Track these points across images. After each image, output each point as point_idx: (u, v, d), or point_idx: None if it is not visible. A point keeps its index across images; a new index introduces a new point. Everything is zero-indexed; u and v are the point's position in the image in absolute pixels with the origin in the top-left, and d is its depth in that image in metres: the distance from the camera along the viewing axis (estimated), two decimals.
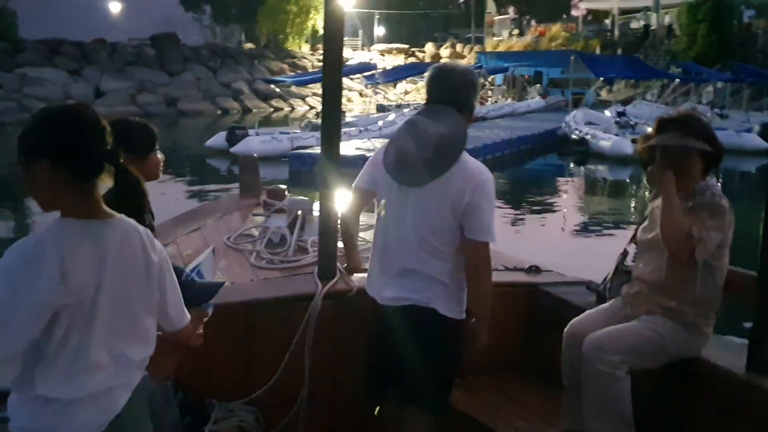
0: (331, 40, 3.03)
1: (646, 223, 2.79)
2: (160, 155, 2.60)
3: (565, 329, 2.84)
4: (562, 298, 3.30)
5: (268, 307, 3.02)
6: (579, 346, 2.67)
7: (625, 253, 2.98)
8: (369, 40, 54.53)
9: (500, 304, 3.04)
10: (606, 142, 18.94)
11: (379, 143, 18.49)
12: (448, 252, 2.52)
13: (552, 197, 16.05)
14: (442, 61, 42.90)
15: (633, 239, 2.91)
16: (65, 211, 1.61)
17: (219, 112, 35.99)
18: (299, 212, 3.92)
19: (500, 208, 13.36)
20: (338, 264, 3.25)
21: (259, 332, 3.00)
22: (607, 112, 24.41)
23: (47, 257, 1.52)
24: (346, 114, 25.73)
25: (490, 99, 35.04)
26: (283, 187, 4.84)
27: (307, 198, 4.23)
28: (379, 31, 58.47)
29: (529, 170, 20.39)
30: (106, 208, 1.65)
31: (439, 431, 2.76)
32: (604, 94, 36.66)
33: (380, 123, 21.96)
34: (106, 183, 1.64)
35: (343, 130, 19.97)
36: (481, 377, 3.30)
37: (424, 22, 62.94)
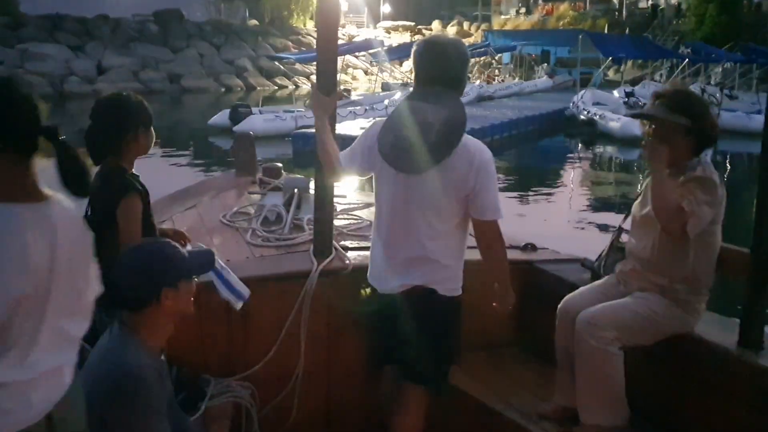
0: (326, 13, 2.99)
1: (640, 198, 2.79)
2: (152, 132, 2.68)
3: (559, 306, 2.85)
4: (557, 275, 3.32)
5: (264, 284, 3.03)
6: (572, 322, 2.68)
7: (620, 230, 2.99)
8: (374, 18, 53.77)
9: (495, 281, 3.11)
10: (615, 123, 18.65)
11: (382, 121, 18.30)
12: (449, 232, 2.53)
13: (559, 178, 15.94)
14: None
15: (627, 216, 2.92)
16: (5, 195, 1.51)
17: (222, 89, 35.84)
18: (295, 190, 3.91)
19: (506, 189, 13.19)
20: (334, 242, 3.26)
21: (255, 309, 2.99)
22: (615, 93, 24.10)
23: (8, 247, 1.45)
24: (351, 92, 25.41)
25: (497, 78, 34.60)
26: (279, 165, 4.82)
27: (303, 176, 4.21)
28: (385, 8, 57.76)
29: (537, 151, 20.23)
30: (42, 188, 1.57)
31: (433, 407, 2.78)
32: (611, 74, 36.26)
33: (386, 102, 21.71)
34: (42, 162, 1.57)
35: (348, 108, 20.02)
36: (476, 353, 3.31)
37: (430, 0, 62.22)
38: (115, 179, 2.56)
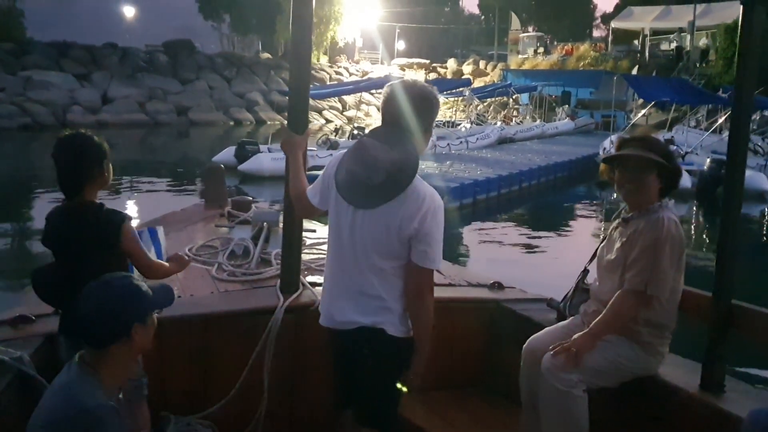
0: (298, 50, 3.03)
1: (605, 242, 2.86)
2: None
3: (524, 346, 2.89)
4: (523, 314, 3.36)
5: (228, 320, 3.05)
6: (537, 363, 2.73)
7: (585, 272, 3.06)
8: (389, 55, 52.87)
9: (462, 319, 3.38)
10: None
11: None
12: (396, 274, 2.53)
13: (594, 232, 13.95)
14: (464, 77, 40.53)
15: (593, 258, 2.97)
16: None
17: (231, 123, 35.65)
18: (264, 224, 3.98)
19: (535, 239, 12.62)
20: (301, 277, 3.31)
21: (218, 346, 3.02)
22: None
23: None
24: (365, 129, 23.77)
25: (515, 119, 33.14)
26: (249, 198, 4.95)
27: (272, 210, 4.33)
28: (399, 45, 56.97)
29: (568, 200, 18.44)
30: None
31: None
32: (634, 117, 34.67)
33: None
34: None
35: None
36: (441, 392, 3.36)
37: (444, 38, 61.65)
38: (101, 211, 2.64)
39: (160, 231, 3.27)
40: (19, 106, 28.95)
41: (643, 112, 28.17)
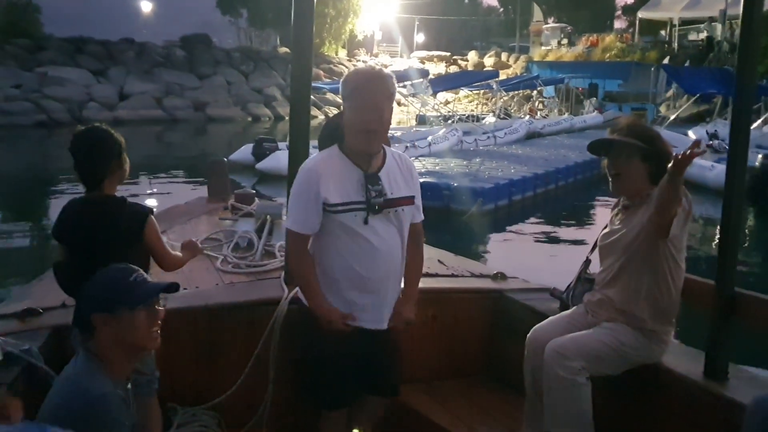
0: (300, 35, 3.14)
1: (606, 229, 2.90)
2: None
3: (528, 335, 2.94)
4: (526, 304, 3.40)
5: (233, 311, 3.11)
6: (541, 352, 2.77)
7: (587, 262, 3.09)
8: (408, 47, 51.80)
9: (465, 309, 3.41)
10: (708, 171, 15.33)
11: (430, 163, 15.41)
12: None
13: None
14: (486, 69, 39.01)
15: (594, 248, 2.99)
16: None
17: (249, 118, 35.27)
18: (267, 217, 4.01)
19: (580, 243, 11.43)
20: None
21: (223, 337, 3.09)
22: (691, 134, 20.91)
23: None
24: None
25: (540, 112, 31.98)
26: (253, 191, 4.94)
27: (275, 203, 4.43)
28: (419, 38, 55.84)
29: (610, 198, 17.13)
30: None
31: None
32: (663, 109, 33.41)
33: (429, 139, 18.86)
34: None
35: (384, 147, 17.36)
36: (445, 382, 3.42)
37: (464, 30, 60.47)
38: (125, 204, 2.71)
39: None
40: (34, 103, 28.82)
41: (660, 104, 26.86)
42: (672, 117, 22.61)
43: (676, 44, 41.55)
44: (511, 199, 13.67)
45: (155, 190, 15.10)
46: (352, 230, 2.61)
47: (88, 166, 2.66)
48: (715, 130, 20.19)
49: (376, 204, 2.59)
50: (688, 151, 2.33)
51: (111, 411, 1.95)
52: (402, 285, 2.80)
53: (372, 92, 2.56)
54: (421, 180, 13.60)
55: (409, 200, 2.72)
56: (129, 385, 2.15)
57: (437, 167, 15.56)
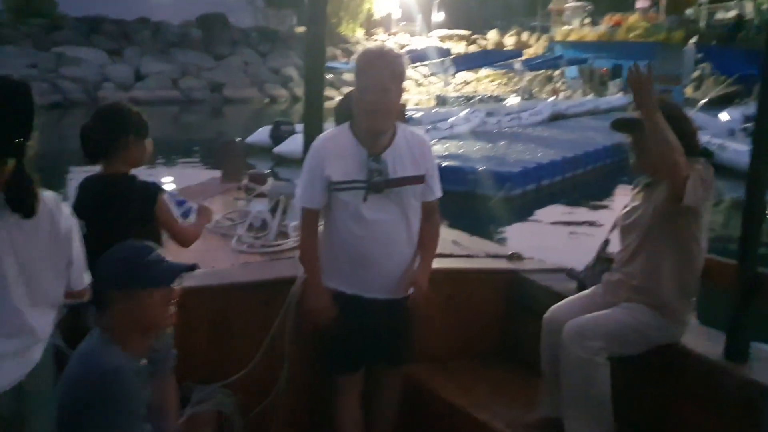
0: (315, 14, 3.18)
1: (627, 208, 2.89)
2: (150, 143, 2.83)
3: (545, 315, 2.95)
4: (543, 284, 3.41)
5: (248, 291, 3.16)
6: (558, 332, 2.77)
7: (606, 242, 3.09)
8: (427, 27, 50.93)
9: (481, 290, 3.44)
10: (743, 154, 14.62)
11: (453, 146, 14.86)
12: None
13: None
14: (507, 49, 38.24)
15: (614, 227, 2.99)
16: None
17: (266, 99, 34.86)
18: (281, 197, 4.07)
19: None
20: None
21: (238, 316, 3.13)
22: (722, 116, 20.11)
23: None
24: (406, 106, 22.11)
25: (562, 93, 31.32)
26: (266, 171, 5.29)
27: (288, 183, 4.38)
28: (438, 16, 54.86)
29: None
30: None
31: (418, 415, 3.10)
32: (689, 92, 32.61)
33: (451, 121, 18.26)
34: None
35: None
36: (461, 362, 3.44)
37: (483, 9, 59.47)
38: (135, 182, 2.73)
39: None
40: (50, 83, 28.48)
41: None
42: (705, 99, 21.90)
43: (703, 23, 40.56)
44: (540, 184, 13.16)
45: (171, 170, 14.88)
46: (353, 207, 2.72)
47: (89, 138, 2.68)
48: (751, 114, 19.48)
49: (377, 183, 2.67)
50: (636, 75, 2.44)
51: (125, 383, 1.99)
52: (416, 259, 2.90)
53: (377, 71, 2.63)
54: (445, 163, 13.07)
55: (416, 180, 2.78)
56: (145, 362, 2.18)
57: (461, 150, 15.12)
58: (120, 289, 2.03)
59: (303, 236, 2.93)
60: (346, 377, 2.97)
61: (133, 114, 2.76)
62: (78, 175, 2.77)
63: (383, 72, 2.63)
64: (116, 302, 2.04)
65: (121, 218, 2.61)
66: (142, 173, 2.79)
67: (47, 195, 1.88)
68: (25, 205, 1.75)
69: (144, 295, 2.06)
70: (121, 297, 2.04)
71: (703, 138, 11.16)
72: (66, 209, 1.97)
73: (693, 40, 34.99)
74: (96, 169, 2.79)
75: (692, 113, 14.02)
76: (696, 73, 35.06)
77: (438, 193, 2.91)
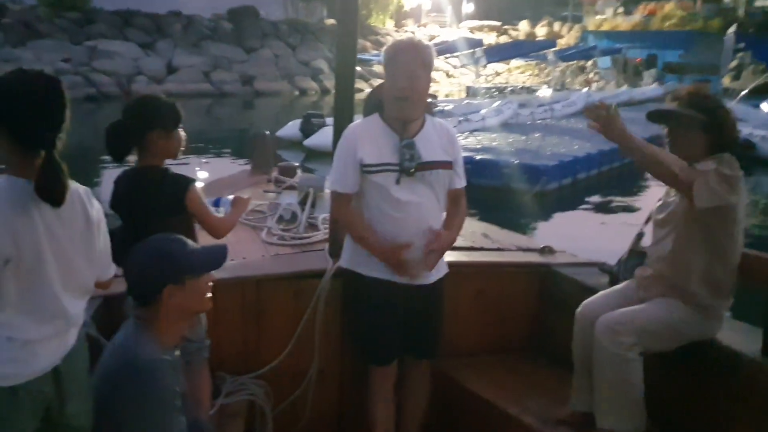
0: (346, 5, 3.15)
1: (661, 202, 2.86)
2: (182, 134, 2.80)
3: (578, 310, 2.92)
4: (575, 279, 3.38)
5: (279, 282, 3.17)
6: (591, 327, 2.75)
7: (640, 235, 3.05)
8: (457, 18, 50.58)
9: (512, 284, 3.42)
10: None
11: (486, 139, 14.73)
12: None
13: None
14: (539, 39, 37.75)
15: (648, 221, 2.98)
16: (10, 169, 1.85)
17: (296, 92, 34.91)
18: (310, 189, 4.08)
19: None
20: None
21: (270, 307, 3.15)
22: (764, 107, 19.60)
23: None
24: (437, 97, 22.00)
25: (595, 84, 30.86)
26: (296, 164, 5.00)
27: (318, 175, 4.44)
28: (468, 7, 54.45)
29: None
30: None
31: (449, 409, 3.13)
32: (726, 81, 31.86)
33: (483, 112, 18.08)
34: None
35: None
36: (493, 356, 3.44)
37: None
38: (166, 174, 2.72)
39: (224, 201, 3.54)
40: (84, 77, 28.82)
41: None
42: (745, 90, 21.36)
43: (742, 11, 39.50)
44: (576, 178, 12.94)
45: (202, 163, 14.90)
46: (385, 189, 2.76)
47: (116, 134, 2.64)
48: None
49: (410, 167, 2.72)
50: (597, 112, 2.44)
51: (160, 376, 2.02)
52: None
53: (406, 61, 2.70)
54: (478, 157, 12.85)
55: (445, 165, 2.84)
56: (177, 352, 2.21)
57: (494, 143, 14.93)
58: (176, 282, 2.06)
59: (342, 219, 2.95)
60: (379, 370, 2.98)
61: (163, 106, 2.73)
62: (114, 171, 2.81)
63: (414, 60, 2.70)
64: (172, 296, 2.06)
65: (153, 210, 2.62)
66: (173, 166, 2.80)
67: (78, 186, 1.95)
68: (54, 195, 1.80)
69: (194, 283, 2.11)
70: (176, 289, 2.06)
71: (744, 130, 10.82)
72: (95, 201, 2.02)
73: (732, 28, 34.24)
74: (131, 164, 2.80)
75: (732, 104, 13.64)
76: (734, 63, 34.33)
77: (464, 181, 2.96)
